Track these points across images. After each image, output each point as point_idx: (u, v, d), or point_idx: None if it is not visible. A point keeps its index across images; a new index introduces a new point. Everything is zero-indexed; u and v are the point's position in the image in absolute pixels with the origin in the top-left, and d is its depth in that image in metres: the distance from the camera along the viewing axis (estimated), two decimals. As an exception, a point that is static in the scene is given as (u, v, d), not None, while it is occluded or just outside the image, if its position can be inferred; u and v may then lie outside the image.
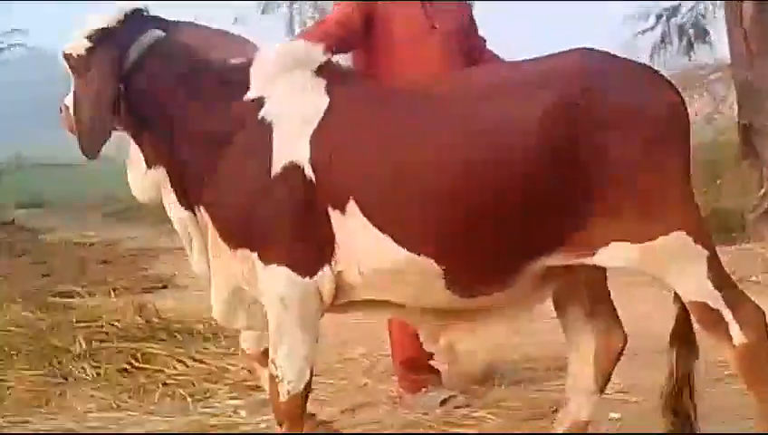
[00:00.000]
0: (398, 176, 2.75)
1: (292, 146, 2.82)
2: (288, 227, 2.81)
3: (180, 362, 4.63)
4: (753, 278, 6.17)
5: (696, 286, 2.76)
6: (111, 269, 8.24)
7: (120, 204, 15.35)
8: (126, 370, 4.54)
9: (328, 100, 2.87)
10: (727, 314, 2.75)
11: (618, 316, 3.20)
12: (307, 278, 2.83)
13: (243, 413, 4.01)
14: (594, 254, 2.74)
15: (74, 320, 5.05)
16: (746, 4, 7.56)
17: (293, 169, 2.80)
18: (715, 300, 2.74)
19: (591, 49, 2.91)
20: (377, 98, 2.95)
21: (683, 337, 3.01)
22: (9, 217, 13.21)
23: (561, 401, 3.85)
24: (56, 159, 32.83)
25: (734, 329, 2.75)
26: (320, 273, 2.83)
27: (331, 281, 2.84)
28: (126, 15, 2.97)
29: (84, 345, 4.71)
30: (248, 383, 4.42)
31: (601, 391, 3.21)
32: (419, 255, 2.75)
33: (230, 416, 4.01)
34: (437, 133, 2.78)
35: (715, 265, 2.76)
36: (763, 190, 7.65)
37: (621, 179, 2.69)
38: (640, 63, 3.01)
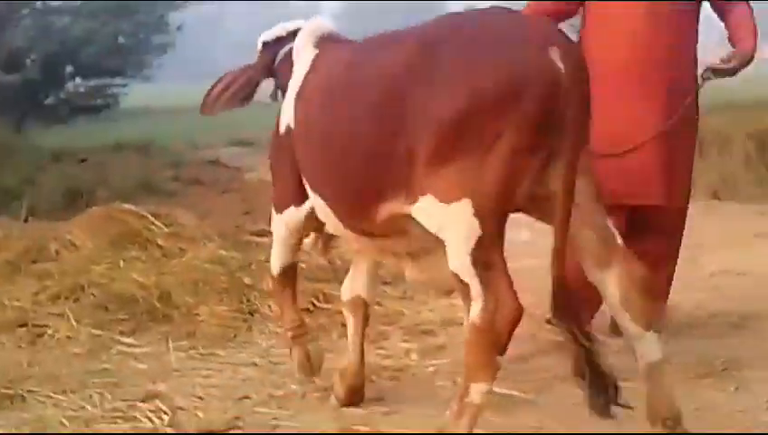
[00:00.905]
0: (309, 132, 3.26)
1: (287, 111, 3.43)
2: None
3: (359, 302, 4.81)
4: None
5: (457, 257, 2.78)
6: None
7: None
8: (308, 309, 4.77)
9: (308, 68, 3.42)
10: (475, 292, 2.76)
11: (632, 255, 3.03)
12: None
13: (414, 356, 4.17)
14: (414, 204, 2.86)
15: (265, 259, 5.32)
16: None
17: (287, 131, 3.42)
18: (469, 276, 2.76)
19: (501, 7, 2.93)
20: (333, 63, 3.29)
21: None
22: (216, 155, 13.88)
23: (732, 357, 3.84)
24: (260, 98, 34.47)
25: (475, 307, 2.77)
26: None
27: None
28: (289, 32, 3.74)
29: (271, 284, 4.96)
30: (422, 328, 4.59)
31: (649, 327, 3.06)
32: (318, 197, 3.27)
33: (401, 358, 4.18)
34: (333, 90, 3.17)
35: (485, 246, 2.74)
36: None
37: (434, 137, 2.74)
38: (523, 23, 2.92)
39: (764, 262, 5.51)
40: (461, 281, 2.80)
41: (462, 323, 3.68)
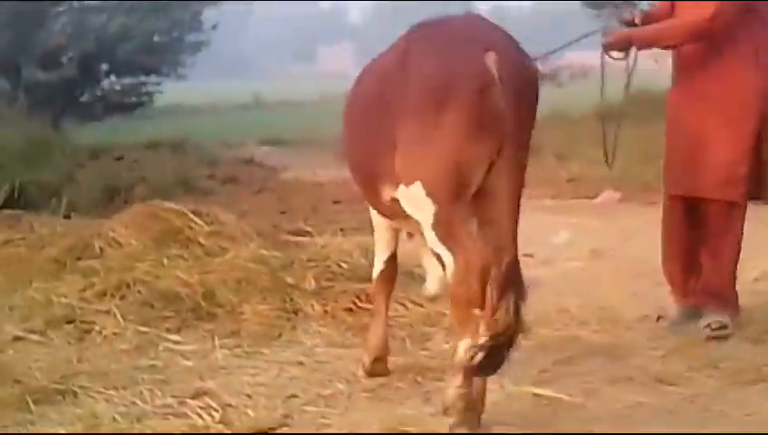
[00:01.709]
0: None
1: None
2: None
3: (401, 304, 4.85)
4: None
5: (427, 234, 3.25)
6: (341, 209, 8.60)
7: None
8: (351, 309, 4.81)
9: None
10: (446, 261, 3.21)
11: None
12: None
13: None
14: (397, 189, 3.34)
15: (306, 259, 5.37)
16: None
17: None
18: (438, 248, 3.23)
19: (471, 15, 3.60)
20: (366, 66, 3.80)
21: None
22: (250, 154, 13.96)
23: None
24: (291, 97, 34.57)
25: (447, 272, 3.22)
26: None
27: None
28: None
29: (314, 283, 5.01)
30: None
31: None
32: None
33: (445, 359, 4.18)
34: (357, 90, 3.71)
35: (443, 221, 3.19)
36: None
37: (401, 131, 3.22)
38: (472, 30, 3.32)
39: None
40: (435, 252, 3.25)
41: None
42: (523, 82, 3.21)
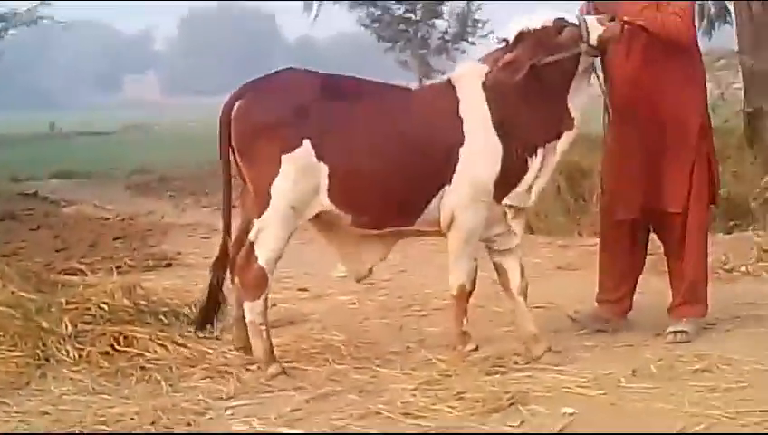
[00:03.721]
0: None
1: None
2: None
3: (162, 345, 4.75)
4: (743, 269, 6.17)
5: None
6: (121, 246, 8.38)
7: (147, 175, 15.63)
8: (108, 353, 4.66)
9: None
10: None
11: None
12: None
13: (209, 401, 4.11)
14: None
15: (65, 301, 5.17)
16: (755, -9, 7.52)
17: None
18: None
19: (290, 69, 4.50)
20: None
21: (222, 264, 4.51)
22: (36, 187, 13.42)
23: (520, 393, 3.98)
24: (92, 128, 33.57)
25: None
26: None
27: None
28: None
29: (70, 327, 4.82)
30: (227, 369, 4.54)
31: None
32: None
33: (200, 401, 4.12)
34: None
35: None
36: (767, 178, 7.62)
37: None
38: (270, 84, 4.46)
39: (564, 293, 5.73)
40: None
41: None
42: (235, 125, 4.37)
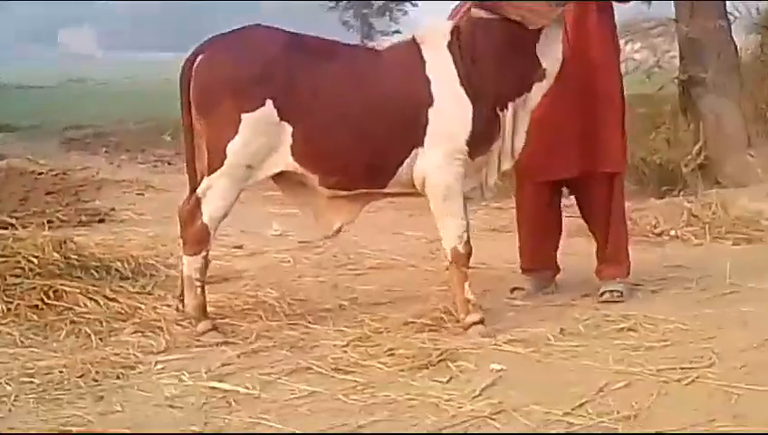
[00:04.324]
0: None
1: None
2: None
3: (92, 299, 4.70)
4: (672, 233, 6.31)
5: None
6: (54, 200, 8.25)
7: (83, 131, 15.38)
8: (37, 306, 4.61)
9: None
10: None
11: None
12: None
13: (139, 355, 4.10)
14: None
15: (-7, 254, 5.08)
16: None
17: None
18: None
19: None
20: None
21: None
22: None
23: (449, 350, 4.04)
24: (28, 81, 32.86)
25: None
26: None
27: None
28: None
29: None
30: (159, 324, 4.51)
31: None
32: None
33: (129, 354, 4.10)
34: None
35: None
36: (699, 144, 7.77)
37: None
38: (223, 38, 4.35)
39: (496, 254, 5.78)
40: None
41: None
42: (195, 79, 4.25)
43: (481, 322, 4.33)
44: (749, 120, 8.04)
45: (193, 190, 4.34)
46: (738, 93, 7.92)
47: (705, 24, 7.64)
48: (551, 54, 4.35)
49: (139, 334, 4.37)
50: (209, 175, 4.25)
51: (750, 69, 9.04)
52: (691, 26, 7.67)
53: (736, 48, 8.11)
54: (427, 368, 3.88)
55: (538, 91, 4.40)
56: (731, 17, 8.16)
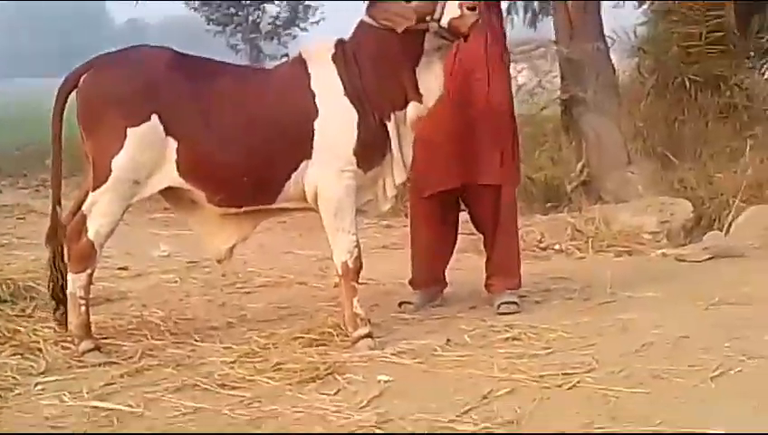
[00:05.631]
0: None
1: None
2: None
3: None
4: (557, 247, 6.47)
5: None
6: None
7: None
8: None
9: None
10: None
11: None
12: None
13: (18, 377, 3.97)
14: None
15: None
16: (569, -19, 7.87)
17: None
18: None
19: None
20: None
21: (55, 236, 4.31)
22: None
23: (337, 363, 4.04)
24: None
25: None
26: None
27: None
28: None
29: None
30: (38, 345, 4.39)
31: None
32: None
33: (7, 377, 3.97)
34: None
35: None
36: (581, 162, 7.99)
37: None
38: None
39: (385, 270, 5.82)
40: None
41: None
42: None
43: (369, 335, 4.34)
44: (628, 138, 8.32)
45: (57, 203, 4.30)
46: (617, 112, 8.18)
47: (584, 47, 7.89)
48: (428, 84, 4.38)
49: (18, 356, 4.24)
50: (94, 190, 4.16)
51: (628, 89, 9.38)
52: (571, 48, 7.90)
53: (614, 69, 8.40)
54: (315, 381, 3.87)
55: (414, 109, 4.38)
56: (609, 40, 8.47)
